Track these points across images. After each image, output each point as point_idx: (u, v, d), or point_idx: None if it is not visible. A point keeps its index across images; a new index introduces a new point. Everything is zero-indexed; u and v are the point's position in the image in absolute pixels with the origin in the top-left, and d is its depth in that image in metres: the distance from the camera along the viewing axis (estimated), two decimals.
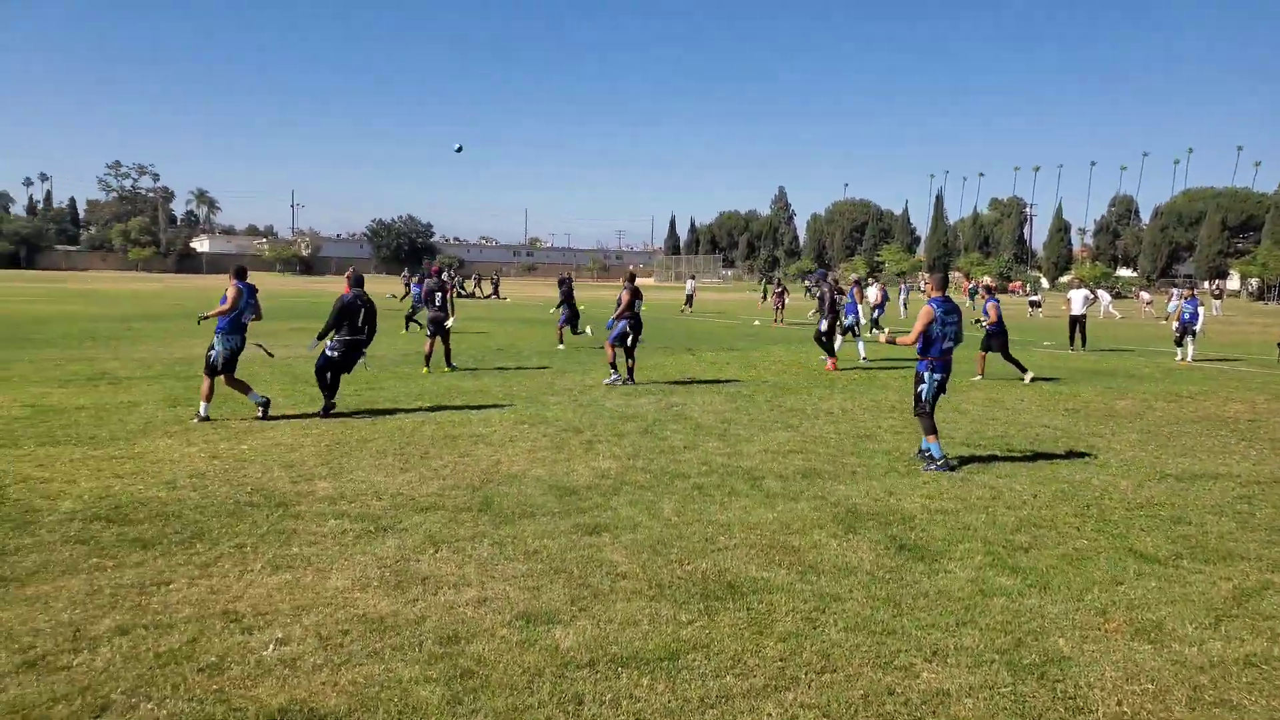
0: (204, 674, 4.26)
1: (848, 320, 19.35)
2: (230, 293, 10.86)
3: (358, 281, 11.77)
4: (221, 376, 10.82)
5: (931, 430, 8.94)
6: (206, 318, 11.18)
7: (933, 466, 8.81)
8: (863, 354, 19.44)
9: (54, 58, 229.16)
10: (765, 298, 34.47)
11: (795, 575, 5.78)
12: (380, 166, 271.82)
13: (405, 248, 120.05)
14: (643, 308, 15.17)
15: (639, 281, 17.13)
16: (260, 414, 10.86)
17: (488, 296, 54.99)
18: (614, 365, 14.70)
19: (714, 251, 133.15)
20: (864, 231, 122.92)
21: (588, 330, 22.55)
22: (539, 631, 4.82)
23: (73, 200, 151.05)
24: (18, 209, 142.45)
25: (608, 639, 4.75)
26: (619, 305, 14.70)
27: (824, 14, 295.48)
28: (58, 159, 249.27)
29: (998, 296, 17.59)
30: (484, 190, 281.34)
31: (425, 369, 16.01)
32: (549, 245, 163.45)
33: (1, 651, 4.41)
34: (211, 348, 10.79)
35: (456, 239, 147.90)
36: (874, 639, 4.82)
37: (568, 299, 21.78)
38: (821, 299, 18.40)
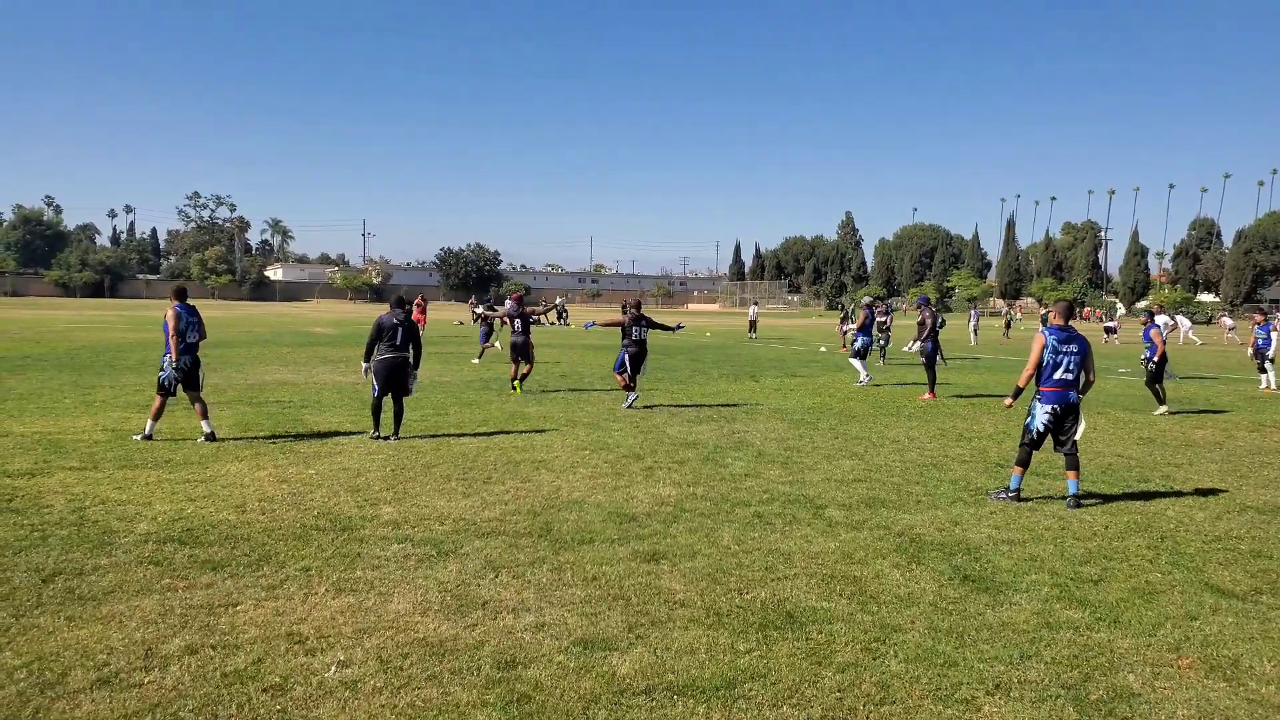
0: (268, 694, 4.35)
1: (857, 344, 19.52)
2: (170, 319, 11.00)
3: (397, 303, 11.98)
4: (187, 395, 11.17)
5: (1022, 463, 8.64)
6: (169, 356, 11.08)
7: (1002, 495, 8.61)
8: (863, 377, 19.23)
9: (136, 91, 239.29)
10: (844, 320, 34.99)
11: (856, 605, 5.69)
12: (449, 195, 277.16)
13: (473, 275, 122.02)
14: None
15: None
16: (204, 438, 11.04)
17: (552, 323, 55.66)
18: (628, 389, 15.13)
19: (779, 277, 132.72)
20: (934, 256, 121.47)
21: (497, 345, 25.35)
22: (596, 658, 4.83)
23: (154, 231, 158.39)
24: (103, 240, 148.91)
25: (664, 667, 4.73)
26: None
27: (890, 37, 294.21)
28: (140, 190, 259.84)
29: (1158, 322, 16.68)
30: (550, 218, 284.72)
31: (514, 390, 16.79)
32: (614, 272, 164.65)
33: (78, 668, 4.57)
34: (161, 369, 11.15)
35: (523, 266, 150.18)
36: (935, 671, 4.72)
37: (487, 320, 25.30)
38: (921, 324, 18.06)
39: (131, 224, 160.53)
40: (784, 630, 5.27)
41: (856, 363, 19.43)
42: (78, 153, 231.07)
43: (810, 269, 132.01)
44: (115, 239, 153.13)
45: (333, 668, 4.65)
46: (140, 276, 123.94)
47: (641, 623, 5.35)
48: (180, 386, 11.10)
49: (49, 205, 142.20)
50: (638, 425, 13.01)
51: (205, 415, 11.21)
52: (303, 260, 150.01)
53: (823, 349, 32.74)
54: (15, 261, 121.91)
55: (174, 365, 11.01)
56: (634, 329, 14.96)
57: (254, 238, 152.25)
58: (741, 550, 6.83)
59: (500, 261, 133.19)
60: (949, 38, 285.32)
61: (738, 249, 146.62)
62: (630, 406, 14.80)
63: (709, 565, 6.45)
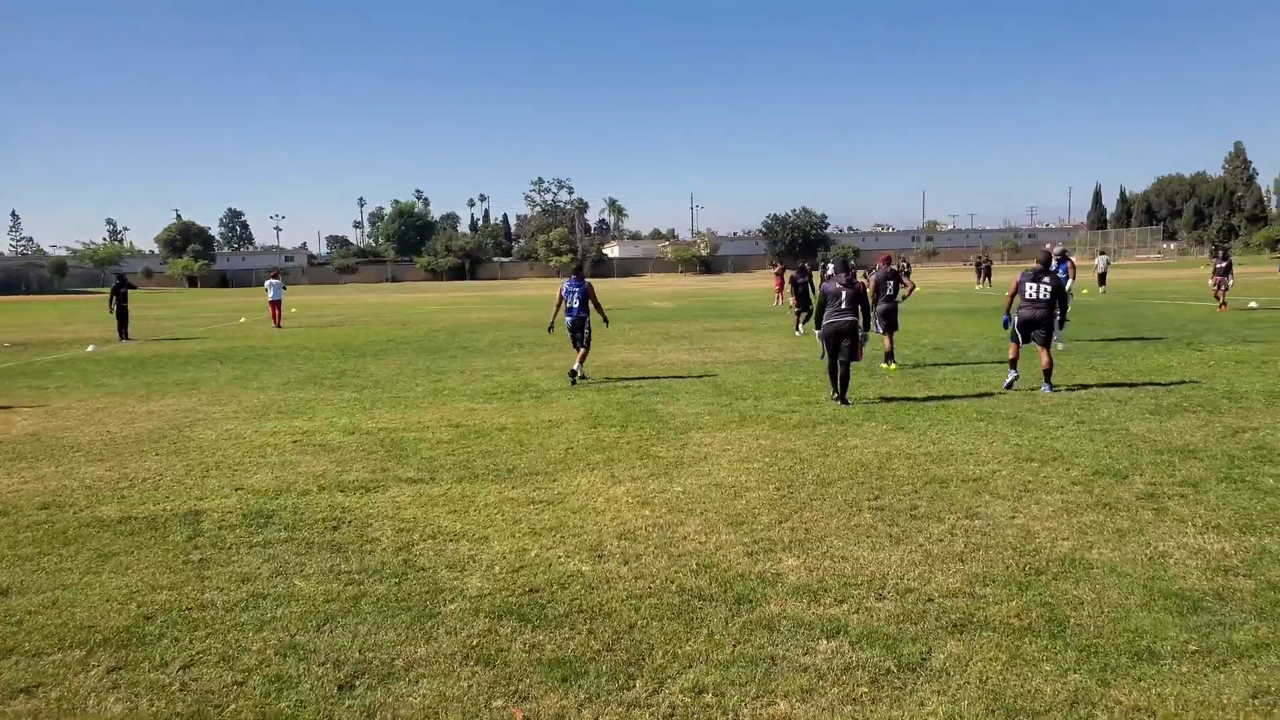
0: None
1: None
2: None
3: (843, 266, 11.84)
4: None
5: None
6: None
7: None
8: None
9: (483, 89, 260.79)
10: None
11: None
12: (774, 162, 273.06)
13: (799, 241, 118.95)
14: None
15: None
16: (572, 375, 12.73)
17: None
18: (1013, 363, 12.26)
19: (1150, 223, 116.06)
20: None
21: None
22: None
23: (505, 216, 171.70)
24: (462, 227, 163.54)
25: None
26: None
27: None
28: (493, 179, 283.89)
29: None
30: (876, 176, 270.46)
31: (886, 365, 14.27)
32: (949, 227, 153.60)
33: None
34: None
35: (850, 228, 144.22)
36: None
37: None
38: None
39: (486, 211, 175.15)
40: None
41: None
42: (441, 149, 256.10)
43: (1190, 211, 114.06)
44: (473, 225, 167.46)
45: None
46: (495, 259, 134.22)
47: None
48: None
49: (418, 198, 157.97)
50: (1081, 419, 9.74)
51: (581, 361, 13.82)
52: (635, 237, 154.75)
53: (1253, 304, 26.22)
54: (394, 250, 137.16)
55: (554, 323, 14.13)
56: (1028, 286, 11.61)
57: (592, 217, 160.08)
58: None
59: (827, 225, 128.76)
60: None
61: (1097, 193, 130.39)
62: (1010, 387, 11.82)
63: None
